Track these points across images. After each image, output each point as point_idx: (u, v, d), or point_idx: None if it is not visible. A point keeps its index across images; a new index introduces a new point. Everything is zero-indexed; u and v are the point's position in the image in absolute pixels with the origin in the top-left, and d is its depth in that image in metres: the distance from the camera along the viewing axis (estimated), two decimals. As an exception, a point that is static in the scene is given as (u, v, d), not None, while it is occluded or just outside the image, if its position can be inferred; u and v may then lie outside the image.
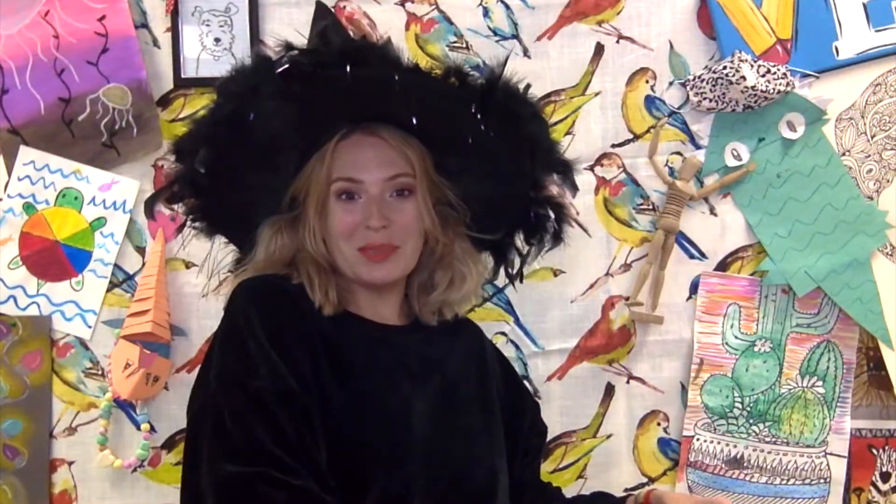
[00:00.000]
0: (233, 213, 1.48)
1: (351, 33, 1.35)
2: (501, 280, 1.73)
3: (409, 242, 1.37)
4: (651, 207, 1.90)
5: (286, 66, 1.26)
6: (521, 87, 1.35)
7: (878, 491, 1.91)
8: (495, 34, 1.89)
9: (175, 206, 1.51)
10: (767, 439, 1.87)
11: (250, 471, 1.15)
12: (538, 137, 1.41)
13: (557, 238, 1.55)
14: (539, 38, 1.89)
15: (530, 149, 1.42)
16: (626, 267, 1.90)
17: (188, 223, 1.51)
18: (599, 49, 1.89)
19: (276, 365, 1.21)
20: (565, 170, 1.47)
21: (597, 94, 1.89)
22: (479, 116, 1.34)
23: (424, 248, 1.42)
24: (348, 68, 1.26)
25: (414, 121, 1.36)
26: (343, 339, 1.32)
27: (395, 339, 1.37)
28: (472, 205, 1.47)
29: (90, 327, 1.89)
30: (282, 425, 1.17)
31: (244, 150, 1.38)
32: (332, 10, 1.86)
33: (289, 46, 1.28)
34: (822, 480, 1.88)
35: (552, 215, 1.53)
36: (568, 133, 1.88)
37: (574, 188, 1.51)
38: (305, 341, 1.26)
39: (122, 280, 1.90)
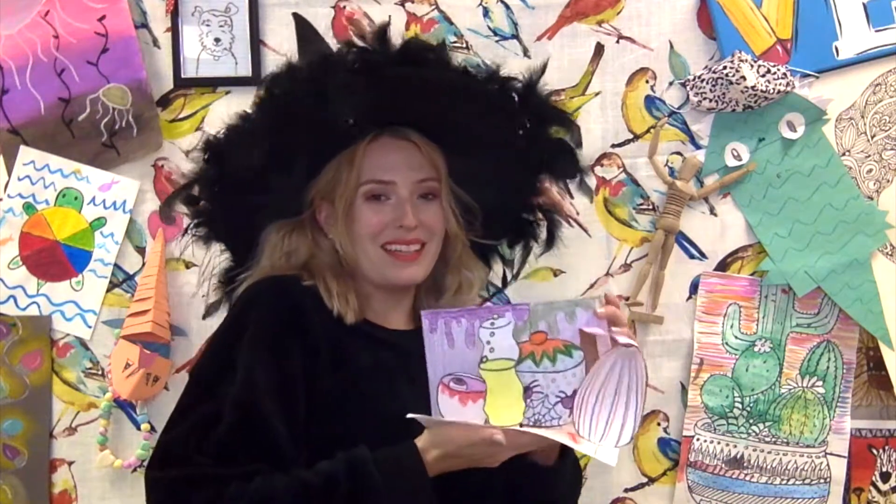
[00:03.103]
0: (239, 219, 1.50)
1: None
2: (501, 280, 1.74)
3: (434, 242, 1.42)
4: (651, 207, 1.90)
5: (357, 60, 1.32)
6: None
7: (878, 491, 1.91)
8: (495, 34, 1.89)
9: (189, 209, 1.53)
10: (767, 439, 1.87)
11: (170, 473, 1.22)
12: (566, 141, 1.50)
13: (550, 244, 1.63)
14: (539, 38, 1.89)
15: (556, 151, 1.50)
16: (626, 267, 1.90)
17: (191, 228, 1.53)
18: (599, 49, 1.89)
19: (252, 373, 1.25)
20: (582, 174, 1.56)
21: (597, 94, 1.89)
22: (518, 118, 1.42)
23: None
24: (408, 67, 1.33)
25: (462, 120, 1.41)
26: (349, 341, 1.34)
27: (402, 344, 1.38)
28: (474, 210, 1.52)
29: (90, 327, 1.89)
30: (224, 435, 1.22)
31: (279, 146, 1.40)
32: (332, 9, 1.88)
33: (350, 44, 1.34)
34: (822, 480, 1.88)
35: (542, 222, 1.62)
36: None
37: (590, 193, 1.64)
38: (304, 344, 1.30)
39: (122, 280, 1.90)
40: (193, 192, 1.49)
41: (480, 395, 1.21)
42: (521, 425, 1.22)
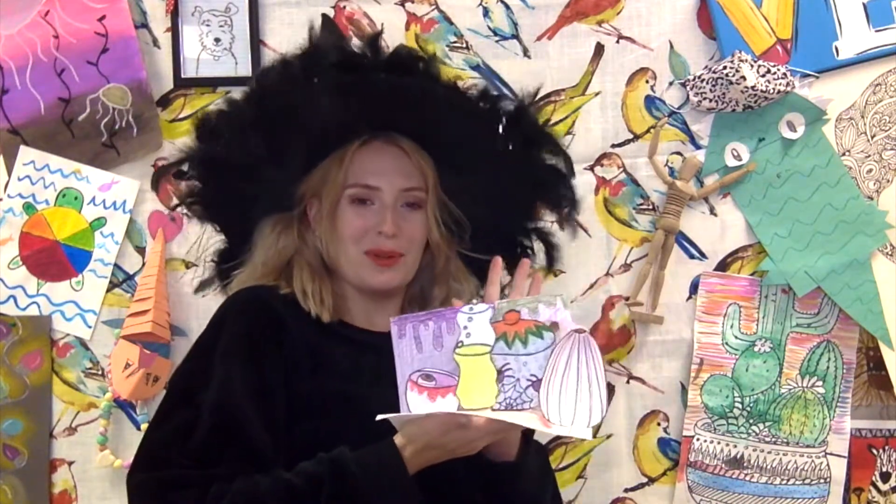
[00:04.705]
0: (231, 205, 1.51)
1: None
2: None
3: (412, 253, 1.42)
4: (651, 207, 1.90)
5: (342, 59, 1.33)
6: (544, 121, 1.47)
7: (878, 491, 1.91)
8: (495, 34, 1.89)
9: (182, 184, 1.54)
10: (767, 439, 1.87)
11: (154, 476, 1.23)
12: (558, 169, 1.49)
13: (550, 267, 1.63)
14: (539, 38, 1.89)
15: (547, 177, 1.50)
16: (626, 267, 1.90)
17: (185, 203, 1.55)
18: (599, 49, 1.89)
19: (230, 378, 1.27)
20: (572, 206, 1.55)
21: (597, 94, 1.89)
22: (505, 138, 1.41)
23: (421, 262, 1.46)
24: (392, 75, 1.34)
25: (453, 134, 1.41)
26: (329, 344, 1.36)
27: (383, 346, 1.38)
28: (464, 224, 1.51)
29: (90, 327, 1.89)
30: (204, 439, 1.23)
31: (269, 140, 1.41)
32: (332, 9, 1.88)
33: (341, 47, 1.36)
34: (822, 480, 1.88)
35: (539, 246, 1.60)
36: (568, 133, 1.88)
37: (573, 229, 1.63)
38: (282, 352, 1.31)
39: (122, 280, 1.90)
40: (185, 168, 1.49)
41: (449, 391, 1.21)
42: (492, 409, 1.22)
